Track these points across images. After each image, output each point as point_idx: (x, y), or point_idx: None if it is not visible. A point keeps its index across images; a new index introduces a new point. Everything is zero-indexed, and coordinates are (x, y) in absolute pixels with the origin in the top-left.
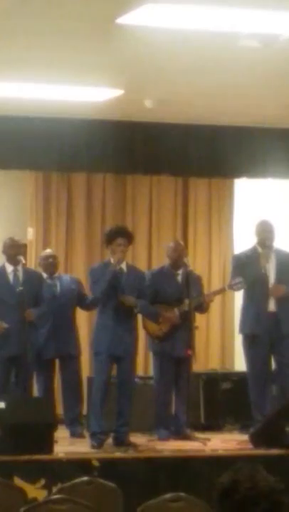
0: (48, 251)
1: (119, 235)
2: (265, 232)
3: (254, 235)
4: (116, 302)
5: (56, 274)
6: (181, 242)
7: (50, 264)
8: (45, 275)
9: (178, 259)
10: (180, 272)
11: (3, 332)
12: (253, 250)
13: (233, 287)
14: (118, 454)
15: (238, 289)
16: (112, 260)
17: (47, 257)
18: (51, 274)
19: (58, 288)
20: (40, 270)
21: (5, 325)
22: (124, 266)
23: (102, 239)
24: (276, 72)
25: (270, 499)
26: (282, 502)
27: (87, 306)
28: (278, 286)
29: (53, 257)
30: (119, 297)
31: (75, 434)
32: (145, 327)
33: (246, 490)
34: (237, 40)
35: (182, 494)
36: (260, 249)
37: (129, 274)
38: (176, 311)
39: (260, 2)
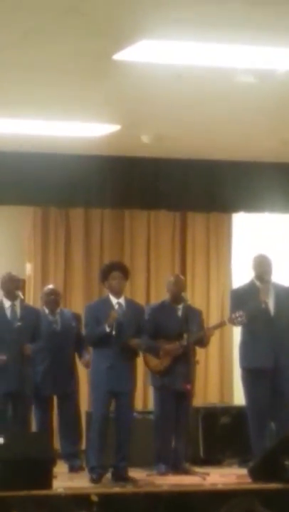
0: (50, 287)
1: (115, 269)
2: (262, 267)
3: (251, 269)
4: (114, 337)
5: (58, 310)
6: (182, 277)
7: (53, 301)
8: (46, 311)
9: (178, 293)
10: (180, 306)
11: (1, 367)
12: (251, 284)
13: (234, 321)
14: (117, 489)
15: (239, 324)
16: (110, 296)
17: (49, 294)
18: (52, 311)
19: (59, 325)
20: (41, 305)
21: (4, 357)
22: (122, 300)
23: (99, 276)
24: (273, 107)
25: None
26: None
27: (82, 345)
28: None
29: (55, 293)
30: (125, 342)
31: (73, 469)
32: (146, 362)
33: None
34: (233, 76)
35: None
36: (258, 284)
37: (128, 308)
38: (177, 344)
39: (255, 38)
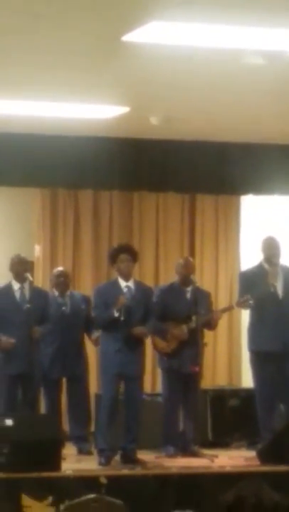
0: (60, 269)
1: (122, 252)
2: (271, 249)
3: (260, 251)
4: (122, 321)
5: (67, 293)
6: (191, 259)
7: (62, 283)
8: (56, 293)
9: (187, 275)
10: (189, 288)
11: (10, 349)
12: (260, 267)
13: (241, 305)
14: (125, 471)
15: (247, 307)
16: (119, 279)
17: (58, 276)
18: (62, 293)
19: (68, 307)
20: (51, 287)
21: (12, 340)
22: (131, 283)
23: (108, 259)
24: (282, 89)
25: None
26: None
27: (91, 325)
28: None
29: (65, 275)
30: (130, 331)
31: (82, 451)
32: (154, 344)
33: (252, 507)
34: (242, 57)
35: (190, 511)
36: (266, 266)
37: (137, 291)
38: (185, 328)
39: (264, 19)
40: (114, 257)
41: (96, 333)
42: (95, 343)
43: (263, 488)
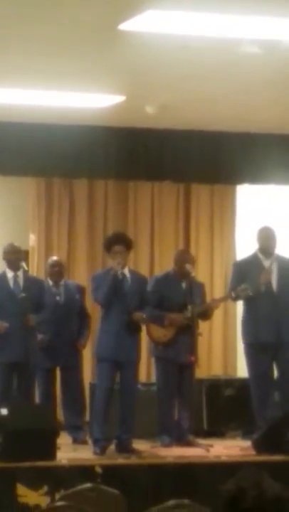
0: (54, 258)
1: (116, 243)
2: (267, 240)
3: (256, 241)
4: (119, 308)
5: (61, 282)
6: (189, 251)
7: (56, 273)
8: (50, 282)
9: (183, 266)
10: (184, 278)
11: (4, 338)
12: (254, 257)
13: (238, 294)
14: (121, 461)
15: (244, 296)
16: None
17: (53, 265)
18: (56, 282)
19: (62, 297)
20: (45, 277)
21: (6, 324)
22: (126, 272)
23: (102, 248)
24: (278, 78)
25: (277, 507)
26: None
27: (85, 322)
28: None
29: (59, 265)
30: (130, 316)
31: (77, 441)
32: (149, 333)
33: (253, 498)
34: (238, 46)
35: (185, 501)
36: (261, 256)
37: (132, 280)
38: (181, 315)
39: (261, 8)
40: (108, 247)
41: (83, 341)
42: (81, 348)
43: (263, 478)
